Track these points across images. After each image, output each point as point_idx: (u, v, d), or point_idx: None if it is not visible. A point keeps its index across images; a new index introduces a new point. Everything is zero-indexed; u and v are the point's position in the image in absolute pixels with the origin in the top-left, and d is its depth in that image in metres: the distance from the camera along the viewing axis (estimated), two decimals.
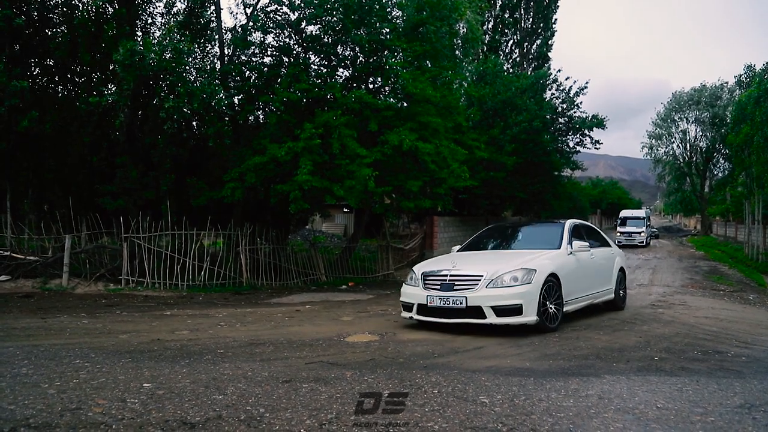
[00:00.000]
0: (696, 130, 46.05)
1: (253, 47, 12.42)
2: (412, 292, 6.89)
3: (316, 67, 12.46)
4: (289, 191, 10.56)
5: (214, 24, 13.38)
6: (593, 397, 3.92)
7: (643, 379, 4.50)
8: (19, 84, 9.71)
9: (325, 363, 4.93)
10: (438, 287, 6.62)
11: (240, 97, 12.29)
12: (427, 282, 6.77)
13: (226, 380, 4.20)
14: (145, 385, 4.00)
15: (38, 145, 12.16)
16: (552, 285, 6.67)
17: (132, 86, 10.79)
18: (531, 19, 31.29)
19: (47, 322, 6.86)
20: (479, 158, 15.37)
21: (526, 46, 31.33)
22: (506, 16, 30.70)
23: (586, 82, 20.76)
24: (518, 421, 3.39)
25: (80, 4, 12.53)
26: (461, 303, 6.36)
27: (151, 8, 13.99)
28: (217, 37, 13.07)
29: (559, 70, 24.03)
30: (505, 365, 4.94)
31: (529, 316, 6.31)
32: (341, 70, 12.82)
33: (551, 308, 6.62)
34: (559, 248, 7.43)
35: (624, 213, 34.87)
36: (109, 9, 12.41)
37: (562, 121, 21.21)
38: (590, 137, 21.18)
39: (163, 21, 14.08)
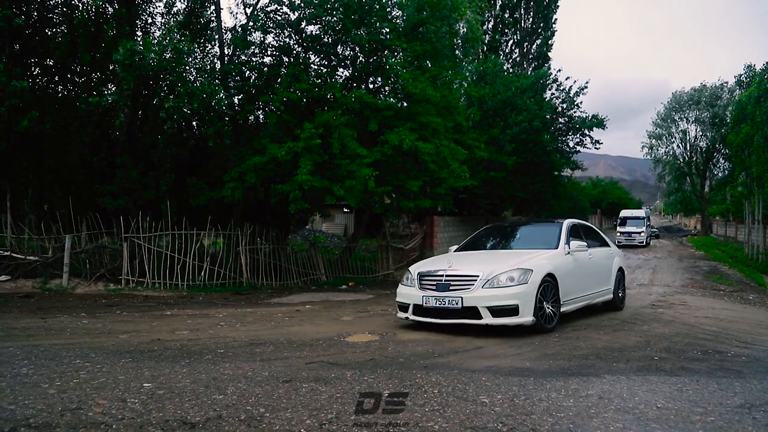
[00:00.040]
0: (696, 130, 46.10)
1: (253, 47, 12.43)
2: (408, 293, 6.83)
3: (316, 67, 12.46)
4: (289, 191, 10.56)
5: (214, 24, 13.39)
6: (593, 397, 3.92)
7: (643, 378, 4.50)
8: (19, 84, 9.71)
9: (326, 363, 4.93)
10: (434, 287, 6.57)
11: (240, 97, 12.30)
12: (423, 282, 6.72)
13: (227, 380, 4.20)
14: (145, 385, 4.00)
15: (38, 145, 12.17)
16: (549, 285, 6.62)
17: (132, 86, 10.79)
18: (531, 19, 31.30)
19: (47, 322, 6.86)
20: (479, 158, 15.38)
21: (526, 45, 31.33)
22: (506, 15, 30.70)
23: (586, 82, 20.80)
24: (518, 420, 3.39)
25: (80, 4, 12.54)
26: (457, 303, 6.31)
27: (151, 8, 14.02)
28: (217, 37, 13.07)
29: (559, 70, 24.08)
30: (505, 365, 4.94)
31: (526, 317, 6.25)
32: (341, 69, 12.83)
33: (548, 309, 6.56)
34: (557, 248, 7.37)
35: (624, 213, 34.84)
36: (109, 9, 12.42)
37: (562, 121, 21.22)
38: (590, 137, 21.21)
39: (163, 21, 14.11)
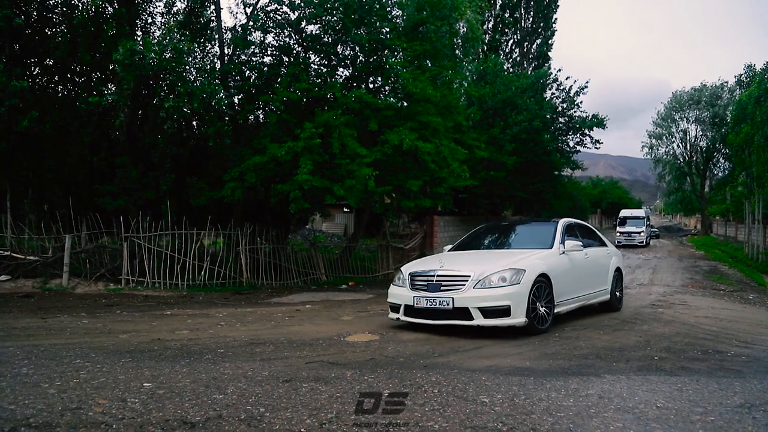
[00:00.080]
0: (696, 129, 46.12)
1: (253, 47, 12.43)
2: (400, 293, 6.76)
3: (316, 67, 12.46)
4: (289, 191, 10.56)
5: (214, 23, 13.39)
6: (593, 397, 3.92)
7: (643, 378, 4.50)
8: (19, 84, 9.71)
9: (326, 362, 4.93)
10: (425, 288, 6.48)
11: (240, 97, 12.29)
12: (414, 282, 6.64)
13: (227, 380, 4.20)
14: (145, 384, 4.00)
15: (38, 145, 12.17)
16: (542, 285, 6.50)
17: (132, 86, 10.79)
18: (531, 19, 31.31)
19: (47, 322, 6.86)
20: (479, 158, 15.37)
21: (527, 45, 31.33)
22: (506, 15, 30.71)
23: (587, 82, 20.79)
24: (518, 420, 3.39)
25: (80, 4, 12.55)
26: (448, 304, 6.21)
27: (151, 8, 14.01)
28: (217, 36, 13.07)
29: (560, 70, 24.08)
30: (505, 365, 4.94)
31: (518, 318, 6.14)
32: (341, 69, 12.83)
33: (541, 310, 6.45)
34: (551, 248, 7.26)
35: (623, 213, 34.81)
36: (109, 9, 12.41)
37: (563, 121, 21.22)
38: (590, 137, 21.21)
39: (163, 21, 14.11)
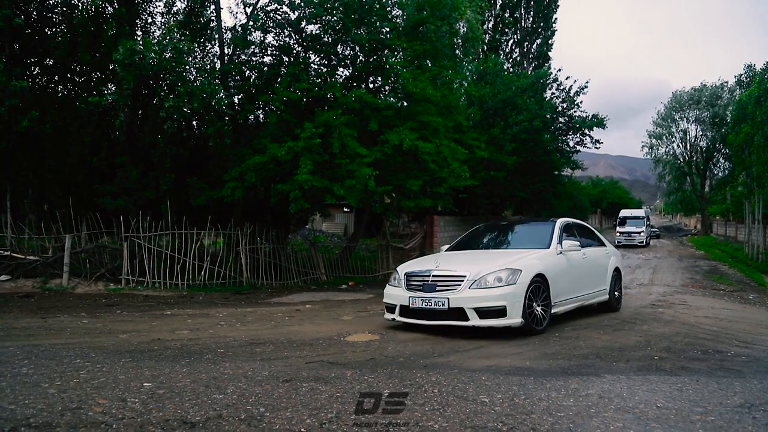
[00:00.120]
0: (696, 129, 46.14)
1: (253, 47, 12.43)
2: (395, 293, 6.72)
3: (316, 67, 12.46)
4: (289, 191, 10.56)
5: (214, 23, 13.39)
6: (593, 397, 3.92)
7: (643, 378, 4.50)
8: (19, 84, 9.71)
9: (326, 362, 4.93)
10: (420, 288, 6.44)
11: (240, 97, 12.29)
12: (409, 282, 6.60)
13: (227, 379, 4.20)
14: (145, 384, 4.00)
15: (38, 145, 12.17)
16: (539, 286, 6.46)
17: (132, 86, 10.79)
18: (531, 19, 31.31)
19: (47, 322, 6.86)
20: (479, 158, 15.37)
21: (527, 45, 31.33)
22: (506, 15, 30.71)
23: (587, 82, 20.80)
24: (518, 420, 3.39)
25: (80, 4, 12.54)
26: (443, 304, 6.16)
27: (151, 8, 14.02)
28: (217, 36, 13.08)
29: (560, 70, 24.08)
30: (505, 364, 4.93)
31: (514, 318, 6.10)
32: (341, 69, 12.83)
33: (538, 310, 6.41)
34: (548, 248, 7.21)
35: (623, 213, 34.79)
36: (109, 8, 12.42)
37: (563, 121, 21.22)
38: (590, 137, 21.22)
39: (163, 20, 14.11)
